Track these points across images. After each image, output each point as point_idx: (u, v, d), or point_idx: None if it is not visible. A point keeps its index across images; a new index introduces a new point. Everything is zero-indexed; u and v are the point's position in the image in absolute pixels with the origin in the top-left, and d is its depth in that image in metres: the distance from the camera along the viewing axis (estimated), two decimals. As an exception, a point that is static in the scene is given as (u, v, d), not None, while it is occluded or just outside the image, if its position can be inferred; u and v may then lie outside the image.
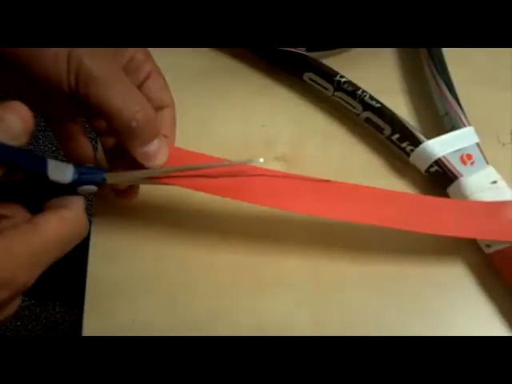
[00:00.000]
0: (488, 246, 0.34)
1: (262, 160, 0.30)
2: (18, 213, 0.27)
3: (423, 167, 0.36)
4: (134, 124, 0.27)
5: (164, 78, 0.33)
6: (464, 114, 0.37)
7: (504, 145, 0.39)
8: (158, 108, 0.32)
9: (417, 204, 0.34)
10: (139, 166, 0.30)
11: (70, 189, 0.27)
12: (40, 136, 1.34)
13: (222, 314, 0.34)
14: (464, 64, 0.41)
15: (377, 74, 0.41)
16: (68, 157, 0.33)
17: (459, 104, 0.37)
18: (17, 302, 0.26)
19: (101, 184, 0.29)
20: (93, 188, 0.28)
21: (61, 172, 0.27)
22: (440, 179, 0.36)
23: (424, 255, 0.36)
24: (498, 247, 0.33)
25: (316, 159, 0.39)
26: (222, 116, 0.40)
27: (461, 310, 0.34)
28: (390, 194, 0.34)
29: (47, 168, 0.26)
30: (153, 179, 0.31)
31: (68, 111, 0.32)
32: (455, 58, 0.39)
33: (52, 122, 0.32)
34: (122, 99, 0.27)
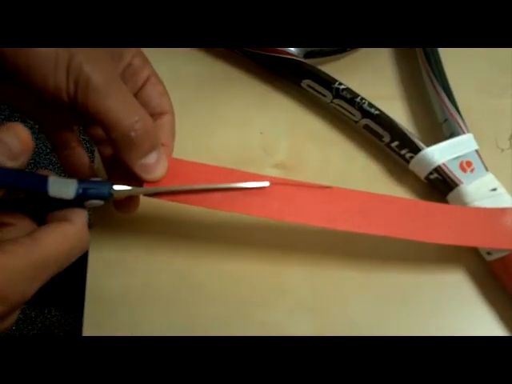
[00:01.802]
0: (489, 253, 0.34)
1: (267, 184, 0.31)
2: (22, 221, 0.27)
3: (423, 174, 0.36)
4: (132, 134, 0.27)
5: (163, 84, 0.32)
6: (463, 120, 0.36)
7: (503, 150, 0.39)
8: (157, 114, 0.31)
9: (417, 211, 0.33)
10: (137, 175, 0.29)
11: (76, 203, 0.27)
12: (34, 139, 1.33)
13: (221, 324, 0.34)
14: (462, 70, 0.41)
15: (374, 80, 0.41)
16: (64, 165, 0.33)
17: (458, 110, 0.37)
18: (14, 317, 0.25)
19: (108, 198, 0.28)
20: (99, 202, 0.28)
21: (63, 188, 0.26)
22: (440, 186, 0.36)
23: (424, 262, 0.36)
24: (499, 255, 0.33)
25: (315, 166, 0.39)
26: (220, 123, 0.40)
27: (462, 318, 0.34)
28: (390, 199, 0.33)
29: (48, 187, 0.26)
30: (159, 195, 0.30)
31: (65, 120, 0.31)
32: (453, 64, 0.39)
33: (48, 130, 0.32)
34: (121, 109, 0.27)
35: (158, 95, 0.31)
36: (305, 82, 0.39)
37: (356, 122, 0.38)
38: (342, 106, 0.38)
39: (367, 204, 0.33)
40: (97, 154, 0.35)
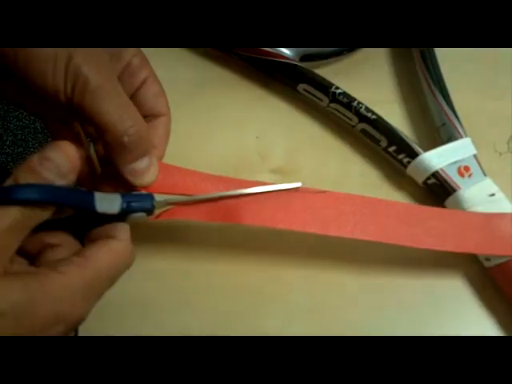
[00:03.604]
0: (487, 259, 0.33)
1: (299, 185, 0.31)
2: (66, 241, 0.27)
3: (420, 179, 0.36)
4: (125, 139, 0.27)
5: (160, 85, 0.32)
6: (461, 124, 0.36)
7: (501, 154, 0.39)
8: (153, 116, 0.31)
9: (414, 216, 0.33)
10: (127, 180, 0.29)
11: (119, 217, 0.27)
12: (30, 139, 1.33)
13: (218, 329, 0.34)
14: (460, 73, 0.40)
15: (371, 84, 0.41)
16: None
17: (456, 114, 0.36)
18: (71, 335, 0.27)
19: (151, 211, 0.28)
20: (142, 215, 0.28)
21: (109, 203, 0.26)
22: (437, 192, 0.35)
23: (423, 267, 0.35)
24: (498, 261, 0.33)
25: (311, 171, 0.38)
26: (216, 128, 0.39)
27: (460, 324, 0.34)
28: (385, 204, 0.33)
29: (95, 202, 0.26)
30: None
31: (64, 116, 0.31)
32: (451, 67, 0.39)
33: (48, 123, 0.32)
34: (116, 113, 0.27)
35: (154, 96, 0.31)
36: (301, 86, 0.39)
37: (353, 126, 0.38)
38: (338, 111, 0.38)
39: (362, 209, 0.32)
40: (93, 151, 0.35)
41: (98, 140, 0.32)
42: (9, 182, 0.24)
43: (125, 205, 0.27)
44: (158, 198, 0.29)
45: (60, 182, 0.24)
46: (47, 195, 0.23)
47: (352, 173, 0.38)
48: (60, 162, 0.24)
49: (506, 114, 0.40)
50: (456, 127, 0.36)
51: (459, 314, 0.34)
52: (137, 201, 0.28)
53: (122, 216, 0.27)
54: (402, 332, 0.34)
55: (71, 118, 0.31)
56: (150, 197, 0.28)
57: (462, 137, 0.36)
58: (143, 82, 0.31)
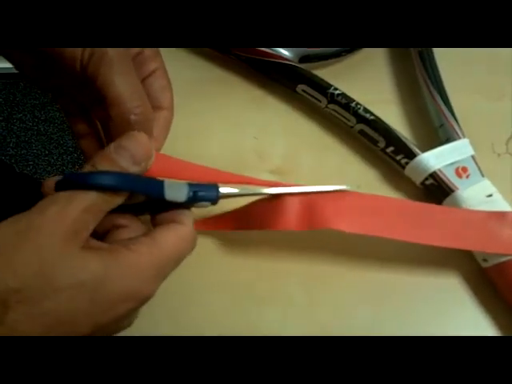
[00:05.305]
0: (485, 260, 0.33)
1: (345, 187, 0.32)
2: (133, 223, 0.28)
3: (418, 180, 0.36)
4: (132, 117, 0.27)
5: (169, 80, 0.32)
6: (459, 125, 0.36)
7: (499, 155, 0.39)
8: (155, 108, 0.31)
9: (413, 212, 0.33)
10: None
11: (184, 205, 0.28)
12: (33, 140, 1.34)
13: (215, 328, 0.34)
14: (458, 73, 0.40)
15: (370, 84, 0.41)
16: (73, 130, 0.33)
17: (454, 115, 0.37)
18: (136, 314, 0.27)
19: (215, 201, 0.29)
20: (206, 204, 0.29)
21: (176, 192, 0.27)
22: (435, 192, 0.35)
23: (420, 267, 0.35)
24: (495, 261, 0.33)
25: (310, 172, 0.38)
26: (214, 128, 0.40)
27: (457, 324, 0.34)
28: (385, 199, 0.33)
29: (164, 190, 0.27)
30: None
31: (74, 95, 0.32)
32: (450, 68, 0.39)
33: (60, 98, 0.33)
34: (127, 90, 0.27)
35: (160, 89, 0.31)
36: (300, 87, 0.39)
37: (351, 127, 0.38)
38: (337, 111, 0.38)
39: (360, 204, 0.32)
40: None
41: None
42: (87, 167, 0.25)
43: (191, 194, 0.28)
44: (223, 189, 0.29)
45: (134, 169, 0.25)
46: (122, 182, 0.24)
47: (350, 173, 0.38)
48: (134, 151, 0.25)
49: (505, 115, 0.40)
50: (454, 128, 0.36)
51: (456, 313, 0.34)
52: (203, 190, 0.28)
53: (187, 204, 0.28)
54: (398, 329, 0.34)
55: (81, 96, 0.32)
56: (215, 187, 0.29)
57: (460, 138, 0.36)
58: (152, 72, 0.31)
